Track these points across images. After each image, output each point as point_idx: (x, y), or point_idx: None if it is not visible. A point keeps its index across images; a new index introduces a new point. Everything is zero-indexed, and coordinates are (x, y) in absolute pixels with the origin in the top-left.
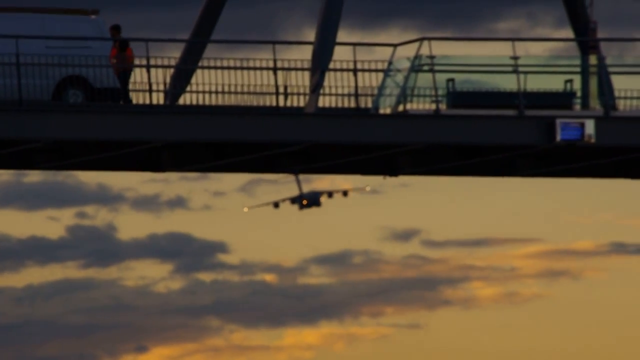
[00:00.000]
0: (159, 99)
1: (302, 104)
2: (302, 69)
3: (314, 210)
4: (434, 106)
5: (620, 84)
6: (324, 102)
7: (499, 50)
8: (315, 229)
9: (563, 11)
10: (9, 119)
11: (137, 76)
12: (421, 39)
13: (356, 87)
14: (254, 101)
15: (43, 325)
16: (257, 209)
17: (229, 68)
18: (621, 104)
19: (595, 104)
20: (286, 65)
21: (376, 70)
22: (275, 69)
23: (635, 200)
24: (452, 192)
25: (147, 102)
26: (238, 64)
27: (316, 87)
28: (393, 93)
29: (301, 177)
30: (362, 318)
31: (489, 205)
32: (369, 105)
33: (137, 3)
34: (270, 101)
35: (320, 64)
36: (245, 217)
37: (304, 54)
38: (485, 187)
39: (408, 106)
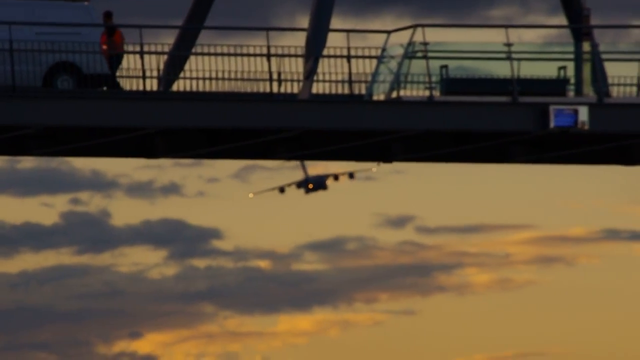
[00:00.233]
0: (152, 85)
1: (295, 90)
2: (296, 56)
3: (310, 196)
4: (427, 93)
5: (613, 70)
6: (317, 88)
7: (493, 37)
8: (310, 215)
9: None
10: (2, 105)
11: (131, 62)
12: (415, 26)
13: (350, 73)
14: (248, 88)
15: (37, 311)
16: (262, 194)
17: (222, 55)
18: (614, 91)
19: (588, 90)
20: (280, 51)
21: (370, 57)
22: (269, 56)
23: (628, 186)
24: (446, 178)
25: (141, 88)
26: (232, 50)
27: (310, 73)
28: (387, 80)
29: (295, 163)
30: (356, 304)
31: (482, 192)
32: (363, 91)
33: None
34: (264, 88)
35: (314, 51)
36: (239, 203)
37: (298, 40)
38: (478, 173)
39: (402, 93)
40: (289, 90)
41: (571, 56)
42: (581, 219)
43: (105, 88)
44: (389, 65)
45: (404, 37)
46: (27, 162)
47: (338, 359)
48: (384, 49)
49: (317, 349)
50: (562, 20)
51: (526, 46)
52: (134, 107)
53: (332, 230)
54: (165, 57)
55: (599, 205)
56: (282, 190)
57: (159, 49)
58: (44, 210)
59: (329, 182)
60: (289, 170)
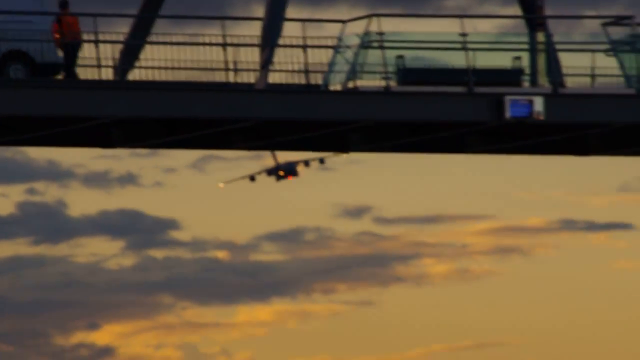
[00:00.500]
0: (107, 74)
1: (252, 80)
2: (252, 45)
3: (265, 187)
4: (384, 83)
5: (568, 61)
6: (273, 78)
7: (448, 27)
8: (267, 205)
9: None
10: None
11: (86, 51)
12: (370, 15)
13: (306, 63)
14: (204, 77)
15: None
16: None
17: (178, 44)
18: (569, 81)
19: (543, 81)
20: (235, 41)
21: (326, 47)
22: (224, 45)
23: (584, 176)
24: (402, 168)
25: (96, 77)
26: (187, 39)
27: (266, 63)
28: (343, 69)
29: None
30: (315, 295)
31: (439, 182)
32: (319, 81)
33: None
34: (220, 77)
35: (269, 40)
36: (197, 193)
37: (254, 30)
38: (435, 163)
39: (358, 83)
40: (245, 80)
41: (526, 46)
42: (538, 210)
43: (61, 77)
44: (345, 55)
45: (359, 26)
46: None
47: (297, 350)
48: (339, 39)
49: (276, 340)
50: (516, 10)
51: (481, 36)
52: (89, 96)
53: (290, 221)
54: (121, 46)
55: (555, 196)
56: (252, 178)
57: (114, 37)
58: None
59: (300, 168)
60: (246, 160)
